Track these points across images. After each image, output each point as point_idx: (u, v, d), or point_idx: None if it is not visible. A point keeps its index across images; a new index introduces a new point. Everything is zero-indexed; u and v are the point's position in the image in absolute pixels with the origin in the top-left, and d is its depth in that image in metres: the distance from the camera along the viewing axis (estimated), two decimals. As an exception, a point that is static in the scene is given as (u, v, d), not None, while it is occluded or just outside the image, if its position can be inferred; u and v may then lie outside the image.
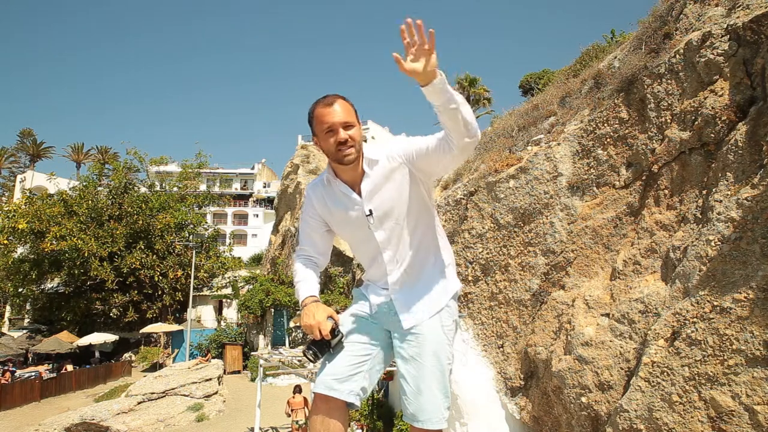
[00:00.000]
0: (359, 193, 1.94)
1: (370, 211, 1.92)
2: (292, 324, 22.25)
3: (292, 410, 10.86)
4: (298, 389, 11.14)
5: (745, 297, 3.11)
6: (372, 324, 2.01)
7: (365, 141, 2.06)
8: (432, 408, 1.87)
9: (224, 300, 32.59)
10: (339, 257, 19.62)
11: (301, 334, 22.45)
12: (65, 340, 24.81)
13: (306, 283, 2.00)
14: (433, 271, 2.01)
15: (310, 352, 1.86)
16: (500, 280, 5.73)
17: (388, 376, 10.24)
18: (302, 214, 2.14)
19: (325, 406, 1.82)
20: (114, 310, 27.68)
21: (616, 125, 4.82)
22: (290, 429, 11.33)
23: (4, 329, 31.33)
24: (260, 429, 11.72)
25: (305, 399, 10.85)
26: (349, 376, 1.85)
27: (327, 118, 1.87)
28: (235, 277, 30.31)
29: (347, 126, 1.87)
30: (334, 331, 1.86)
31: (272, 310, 23.53)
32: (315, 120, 1.90)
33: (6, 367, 21.67)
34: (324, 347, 1.86)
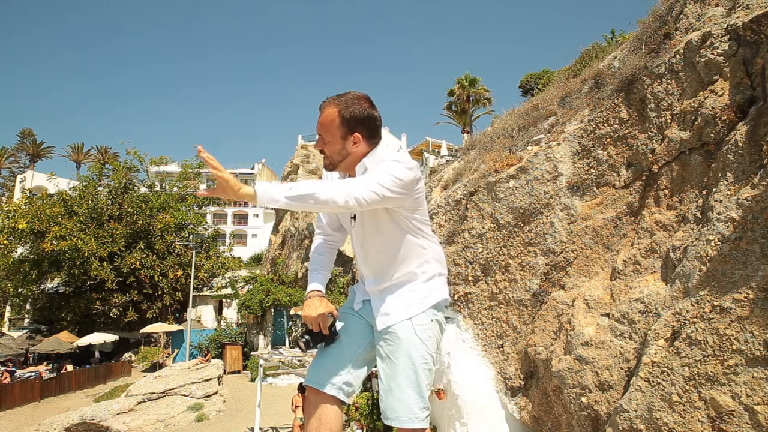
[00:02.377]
0: None
1: (354, 215, 1.99)
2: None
3: (296, 407, 10.91)
4: (302, 388, 11.20)
5: (745, 297, 3.11)
6: (359, 321, 2.06)
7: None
8: (401, 407, 1.88)
9: (224, 300, 32.60)
10: (339, 257, 19.62)
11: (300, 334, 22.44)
12: (65, 340, 24.81)
13: (316, 274, 2.08)
14: (414, 280, 2.00)
15: (303, 340, 1.95)
16: (500, 280, 5.73)
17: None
18: None
19: (315, 398, 1.92)
20: (114, 310, 27.67)
21: (616, 125, 4.82)
22: (292, 426, 11.37)
23: (4, 329, 31.34)
24: (260, 429, 11.72)
25: (305, 397, 10.90)
26: (333, 370, 1.93)
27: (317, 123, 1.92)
28: (235, 277, 30.32)
29: (321, 139, 1.91)
30: (332, 328, 1.92)
31: (272, 310, 23.55)
32: None
33: (6, 367, 21.66)
34: (318, 339, 1.95)
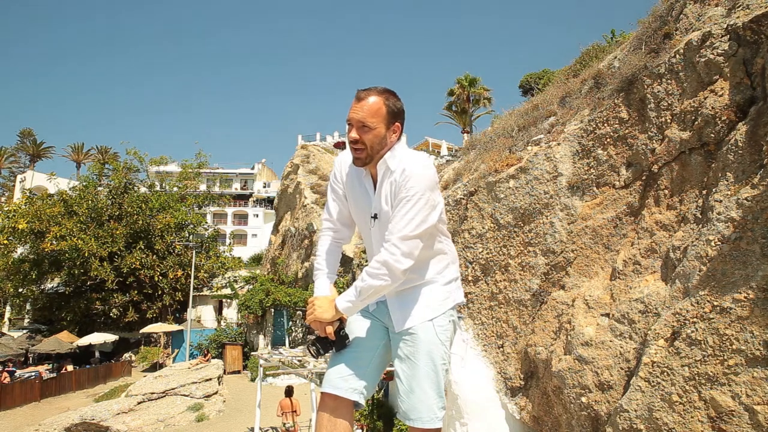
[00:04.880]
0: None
1: (376, 215, 1.95)
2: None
3: (282, 413, 10.84)
4: (289, 392, 11.13)
5: (745, 297, 3.11)
6: (373, 322, 2.03)
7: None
8: (423, 407, 1.88)
9: (224, 300, 32.60)
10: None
11: (301, 335, 22.46)
12: (65, 340, 24.79)
13: (323, 276, 2.03)
14: (433, 282, 2.01)
15: (314, 348, 1.92)
16: (500, 280, 5.73)
17: (388, 376, 10.24)
18: (329, 183, 2.14)
19: (332, 404, 1.87)
20: (114, 310, 27.65)
21: (616, 125, 4.82)
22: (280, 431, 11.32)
23: (4, 329, 31.29)
24: (260, 429, 11.70)
25: (292, 402, 10.84)
26: (352, 375, 1.89)
27: (350, 112, 1.86)
28: (235, 277, 30.33)
29: (363, 127, 1.84)
30: (340, 332, 1.88)
31: (272, 310, 23.54)
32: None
33: (6, 367, 21.66)
34: (327, 345, 1.91)
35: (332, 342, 1.89)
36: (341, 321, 1.92)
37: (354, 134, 1.84)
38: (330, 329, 1.87)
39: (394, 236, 1.79)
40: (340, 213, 2.10)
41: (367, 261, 2.15)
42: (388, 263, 1.77)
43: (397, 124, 1.90)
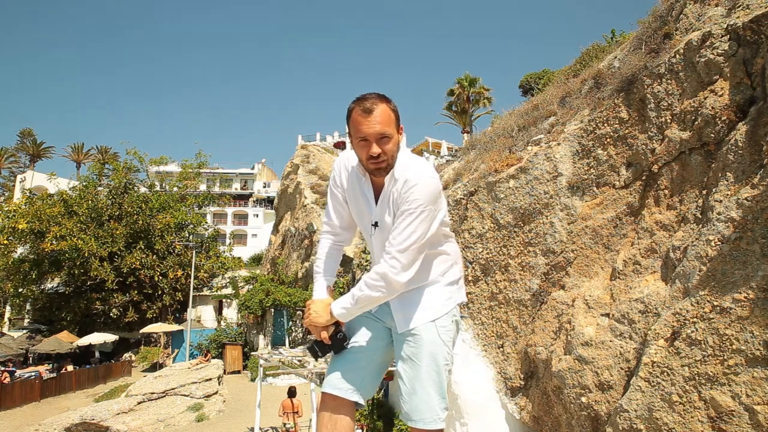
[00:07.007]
0: (376, 199, 1.95)
1: (376, 222, 1.95)
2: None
3: (284, 413, 10.85)
4: (291, 393, 11.14)
5: (745, 297, 3.11)
6: (375, 322, 2.03)
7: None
8: (426, 408, 1.88)
9: (224, 300, 32.61)
10: (339, 257, 19.57)
11: (301, 335, 22.47)
12: (65, 340, 24.79)
13: (321, 277, 2.04)
14: (436, 283, 2.01)
15: (311, 350, 1.93)
16: (500, 280, 5.73)
17: (389, 376, 10.25)
18: (329, 185, 2.12)
19: (332, 404, 1.87)
20: (114, 310, 27.65)
21: (616, 125, 4.82)
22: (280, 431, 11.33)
23: (4, 329, 31.30)
24: (260, 429, 11.69)
25: (293, 402, 10.85)
26: (353, 375, 1.90)
27: (363, 128, 1.79)
28: (235, 276, 30.35)
29: (382, 138, 1.80)
30: (338, 335, 1.89)
31: (272, 310, 23.54)
32: (351, 124, 1.84)
33: (6, 367, 21.66)
34: (325, 348, 1.92)
35: (329, 345, 1.90)
36: (338, 324, 1.92)
37: (376, 149, 1.80)
38: (324, 334, 1.87)
39: (394, 248, 1.79)
40: (340, 217, 2.09)
41: (368, 261, 2.15)
42: (387, 276, 1.78)
43: (401, 126, 1.90)
